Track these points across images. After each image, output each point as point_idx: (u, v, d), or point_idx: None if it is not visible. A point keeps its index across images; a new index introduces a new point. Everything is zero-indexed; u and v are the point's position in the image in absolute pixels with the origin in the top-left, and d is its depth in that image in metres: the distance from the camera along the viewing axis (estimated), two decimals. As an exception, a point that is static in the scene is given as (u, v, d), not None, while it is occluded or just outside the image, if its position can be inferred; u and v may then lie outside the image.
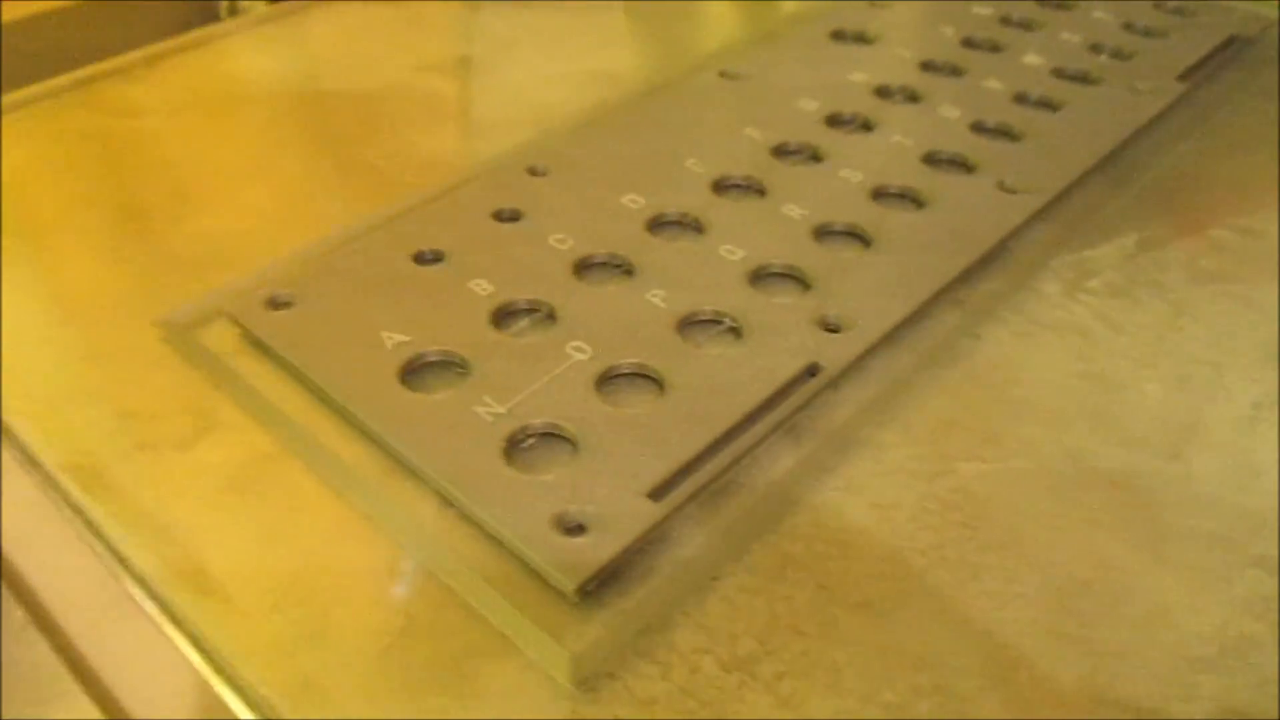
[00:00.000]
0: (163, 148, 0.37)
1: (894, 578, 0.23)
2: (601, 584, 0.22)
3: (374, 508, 0.24)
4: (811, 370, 0.27)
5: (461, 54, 0.43)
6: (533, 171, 0.34)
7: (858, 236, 0.32)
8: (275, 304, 0.29)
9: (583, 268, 0.30)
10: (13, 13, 0.50)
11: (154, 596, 0.23)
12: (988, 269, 0.31)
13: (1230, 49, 0.42)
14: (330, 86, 0.40)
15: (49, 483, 0.26)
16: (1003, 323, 0.30)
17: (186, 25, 0.54)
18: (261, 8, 0.53)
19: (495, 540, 0.23)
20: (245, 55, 0.42)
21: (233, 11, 0.55)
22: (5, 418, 0.27)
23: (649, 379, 0.27)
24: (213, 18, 0.55)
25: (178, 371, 0.28)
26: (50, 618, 0.29)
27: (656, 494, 0.24)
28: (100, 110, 0.38)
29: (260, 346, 0.28)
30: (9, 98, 0.39)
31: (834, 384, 0.27)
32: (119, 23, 0.52)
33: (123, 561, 0.24)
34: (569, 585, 0.22)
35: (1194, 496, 0.25)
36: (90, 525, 0.24)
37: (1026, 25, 0.44)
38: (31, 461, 0.26)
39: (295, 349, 0.27)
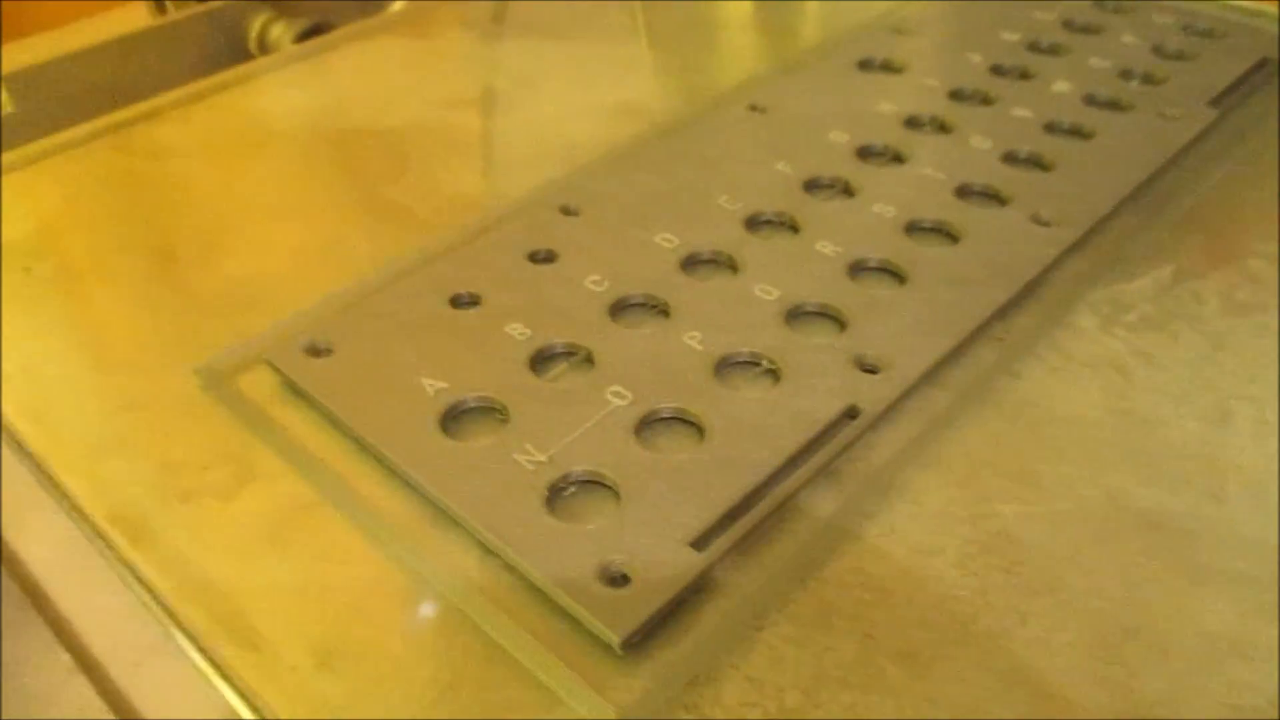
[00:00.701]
0: (196, 190, 0.37)
1: (938, 625, 0.23)
2: (646, 635, 0.22)
3: (416, 559, 0.24)
4: (851, 412, 0.27)
5: (487, 89, 0.43)
6: (565, 210, 0.34)
7: (892, 273, 0.32)
8: (314, 350, 0.29)
9: (618, 309, 0.30)
10: (41, 53, 0.51)
11: (202, 650, 0.23)
12: (1023, 304, 0.31)
13: (1261, 72, 0.42)
14: (359, 124, 0.40)
15: (97, 533, 0.26)
16: (1040, 359, 0.29)
17: (217, 61, 0.55)
18: (290, 45, 0.54)
19: (539, 591, 0.23)
20: (275, 95, 0.43)
21: (262, 46, 0.56)
22: (53, 468, 0.27)
23: (688, 423, 0.27)
24: (243, 53, 0.56)
25: (218, 419, 0.28)
26: (93, 659, 0.30)
27: (699, 543, 0.24)
28: (133, 153, 0.39)
29: (299, 393, 0.28)
30: (48, 141, 0.40)
31: (873, 425, 0.27)
32: (152, 61, 0.53)
33: (172, 615, 0.24)
34: (615, 638, 0.22)
35: (1237, 538, 0.25)
36: (139, 577, 0.25)
37: (1055, 51, 0.44)
38: (79, 513, 0.26)
39: (335, 396, 0.28)
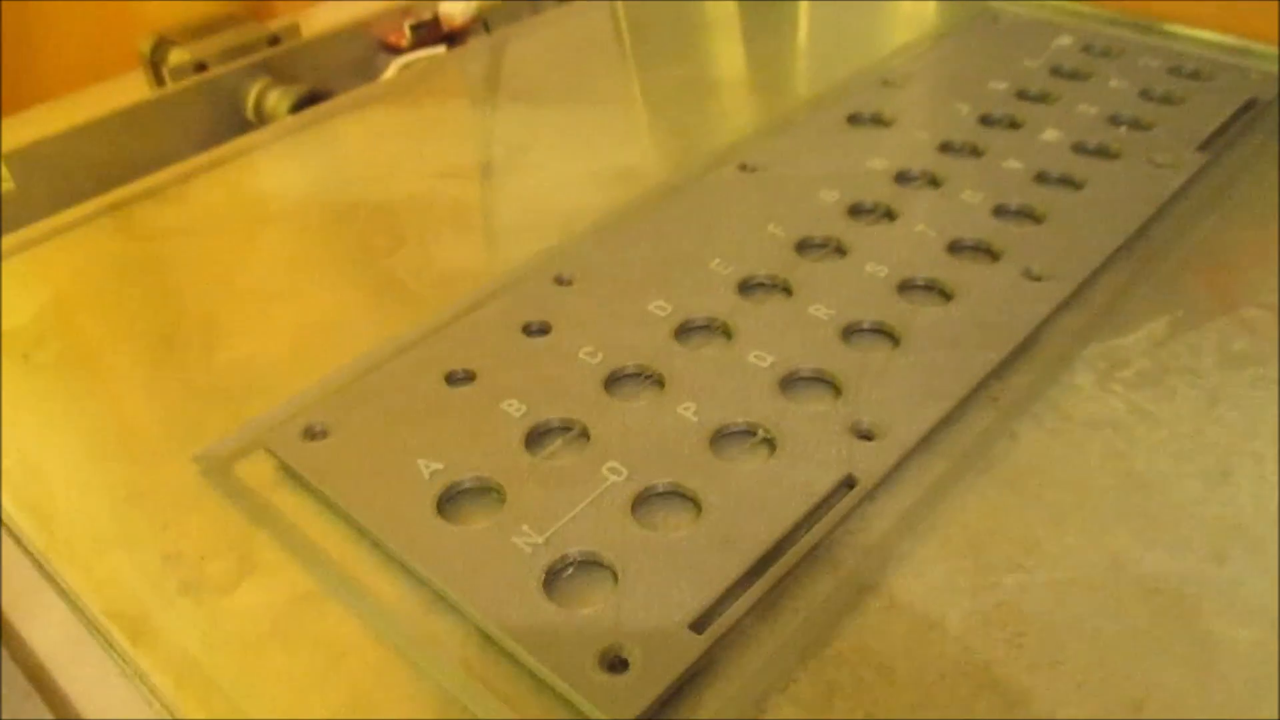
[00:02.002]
0: (195, 271, 0.37)
1: (941, 705, 0.23)
2: (647, 722, 0.22)
3: (415, 648, 0.24)
4: (848, 482, 0.27)
5: (482, 158, 0.43)
6: (559, 281, 0.34)
7: (886, 334, 0.32)
8: (311, 434, 0.29)
9: (612, 381, 0.31)
10: (40, 127, 0.51)
11: (203, 749, 0.23)
12: (1018, 363, 0.31)
13: (1249, 113, 0.42)
14: (355, 197, 0.41)
15: (96, 629, 0.26)
16: (1037, 420, 0.29)
17: (215, 130, 0.56)
18: (286, 112, 0.54)
19: (538, 679, 0.23)
20: (272, 169, 0.43)
21: (259, 114, 0.56)
22: (52, 563, 0.27)
23: (685, 498, 0.27)
24: (240, 120, 0.57)
25: (218, 508, 0.28)
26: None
27: (699, 624, 0.24)
28: (133, 235, 0.39)
29: (298, 479, 0.28)
30: (47, 224, 0.40)
31: (870, 495, 0.27)
32: (151, 133, 0.53)
33: (171, 712, 0.24)
34: (615, 728, 0.22)
35: (1241, 603, 0.24)
36: (139, 673, 0.25)
37: (1043, 99, 0.44)
38: (78, 608, 0.26)
39: (332, 481, 0.28)
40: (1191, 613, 0.24)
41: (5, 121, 0.63)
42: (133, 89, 0.62)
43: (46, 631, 0.33)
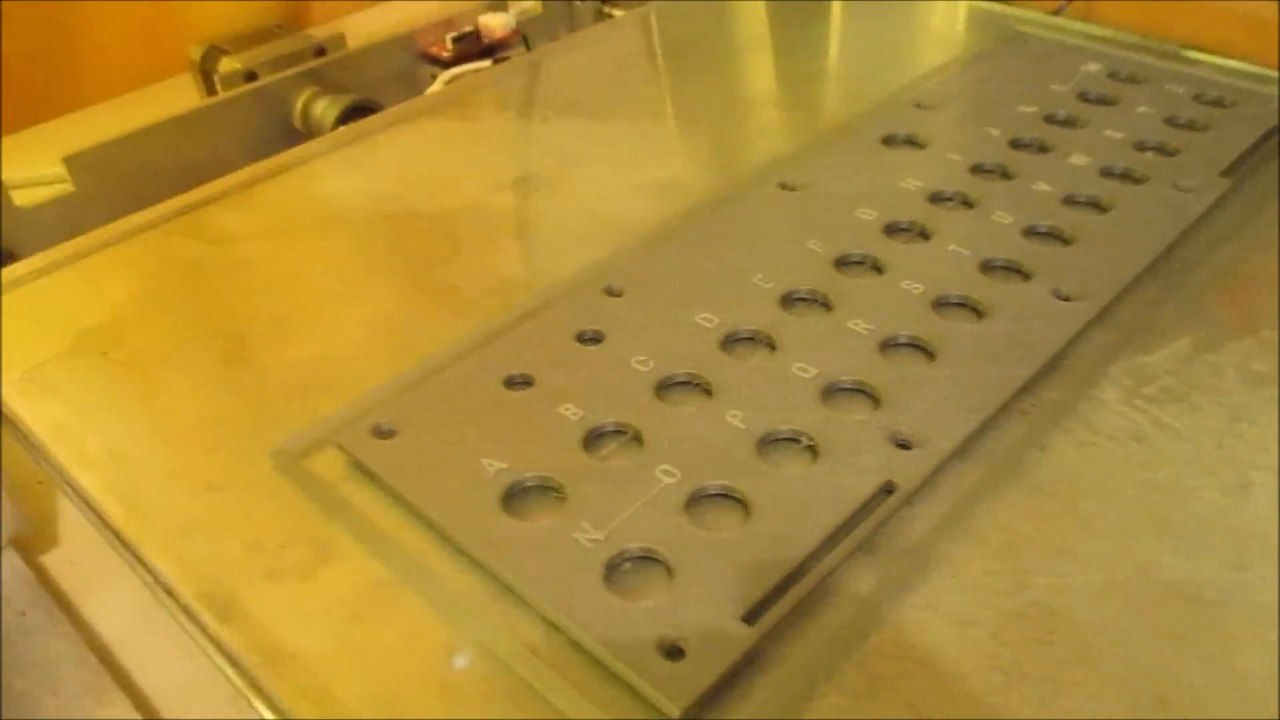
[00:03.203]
0: (260, 274, 0.39)
1: (977, 696, 0.24)
2: (702, 707, 0.24)
3: (485, 634, 0.26)
4: (888, 488, 0.29)
5: (531, 170, 0.45)
6: (609, 292, 0.36)
7: (922, 349, 0.34)
8: (380, 433, 0.31)
9: (664, 388, 0.32)
10: (87, 132, 0.53)
11: (288, 722, 0.25)
12: (1048, 378, 0.33)
13: (1271, 141, 0.44)
14: (411, 207, 0.43)
15: (183, 610, 0.28)
16: (1066, 432, 0.31)
17: (263, 137, 0.58)
18: (333, 121, 0.56)
19: (600, 664, 0.25)
20: (330, 178, 0.45)
21: (305, 122, 0.58)
22: (144, 551, 0.29)
23: (734, 500, 0.29)
24: (288, 128, 0.59)
25: (294, 500, 0.30)
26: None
27: (750, 617, 0.25)
28: (201, 238, 0.41)
29: (369, 474, 0.30)
30: (117, 226, 0.42)
31: (909, 500, 0.29)
32: (204, 138, 0.55)
33: (260, 691, 0.25)
34: (675, 710, 0.23)
35: (1262, 607, 0.26)
36: (226, 655, 0.26)
37: (1071, 123, 0.45)
38: (168, 591, 0.28)
39: (402, 477, 0.29)
40: (1214, 616, 0.26)
41: (56, 122, 0.66)
42: (178, 93, 0.64)
43: (117, 616, 0.35)
